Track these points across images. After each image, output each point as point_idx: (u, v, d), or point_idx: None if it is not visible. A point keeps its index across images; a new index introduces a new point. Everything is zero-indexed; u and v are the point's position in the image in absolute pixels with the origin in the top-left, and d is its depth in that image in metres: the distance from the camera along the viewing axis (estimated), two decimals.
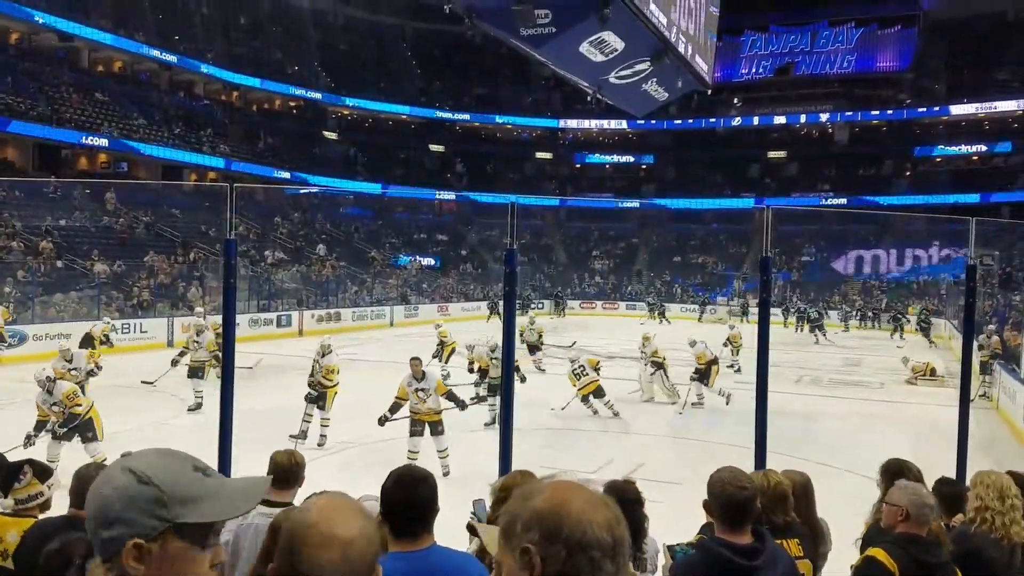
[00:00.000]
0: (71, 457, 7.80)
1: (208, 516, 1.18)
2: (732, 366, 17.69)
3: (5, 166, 30.74)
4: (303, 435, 10.42)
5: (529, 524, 1.16)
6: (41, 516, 3.35)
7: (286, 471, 3.66)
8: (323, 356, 11.33)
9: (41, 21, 32.62)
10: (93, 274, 24.91)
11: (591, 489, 1.23)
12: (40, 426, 8.79)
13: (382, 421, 9.53)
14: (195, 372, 13.18)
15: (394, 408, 9.59)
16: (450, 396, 9.73)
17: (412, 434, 9.47)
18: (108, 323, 18.13)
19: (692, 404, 13.87)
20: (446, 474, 8.91)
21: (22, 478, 3.36)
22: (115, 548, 1.14)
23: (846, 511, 3.91)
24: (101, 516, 1.15)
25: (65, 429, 8.71)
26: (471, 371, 13.52)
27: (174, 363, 14.27)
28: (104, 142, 32.89)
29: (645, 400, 14.54)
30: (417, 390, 9.48)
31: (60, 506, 3.38)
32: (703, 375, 14.23)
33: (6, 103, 29.93)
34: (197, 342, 13.70)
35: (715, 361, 14.59)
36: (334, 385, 10.96)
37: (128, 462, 1.19)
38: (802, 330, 29.46)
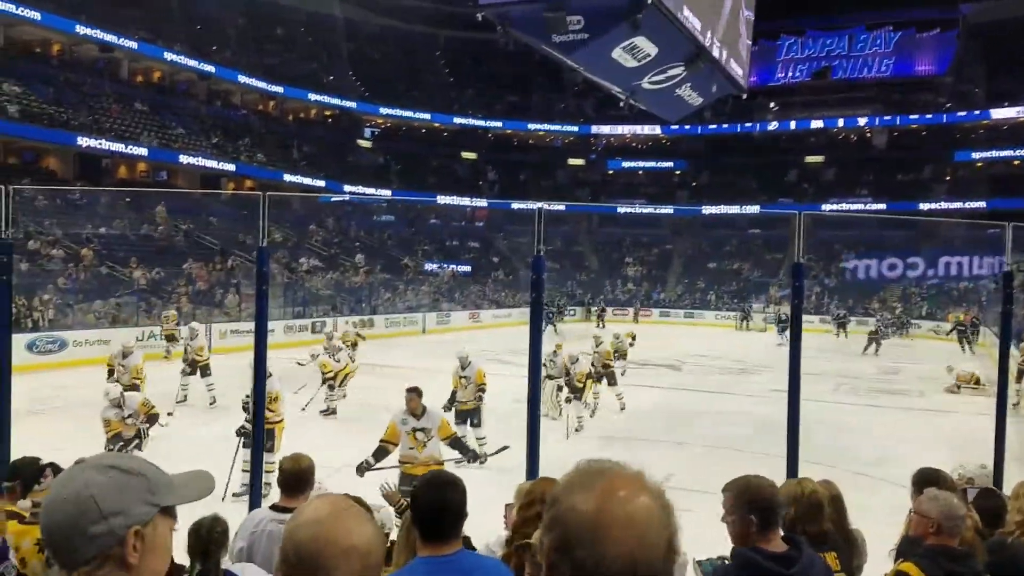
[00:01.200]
0: None
1: (183, 499, 1.30)
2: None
3: (47, 175, 31.42)
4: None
5: (550, 525, 1.03)
6: None
7: (294, 477, 3.68)
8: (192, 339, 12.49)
9: (82, 32, 33.24)
10: (132, 281, 25.35)
11: (646, 491, 1.03)
12: (116, 439, 8.80)
13: (361, 470, 7.18)
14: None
15: (379, 453, 7.30)
16: (456, 443, 7.80)
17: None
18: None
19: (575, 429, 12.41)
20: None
21: (43, 481, 3.38)
22: (109, 542, 1.20)
23: (884, 522, 3.84)
24: (89, 514, 1.19)
25: (148, 438, 8.96)
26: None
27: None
28: (144, 151, 33.51)
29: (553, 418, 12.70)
30: (414, 430, 7.37)
31: None
32: (577, 391, 12.66)
33: (48, 113, 30.61)
34: (123, 365, 12.08)
35: (590, 376, 13.28)
36: (279, 421, 9.10)
37: (101, 460, 1.27)
38: (844, 336, 28.47)
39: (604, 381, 14.43)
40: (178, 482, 1.32)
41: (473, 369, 11.02)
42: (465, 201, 47.24)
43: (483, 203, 47.76)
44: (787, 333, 25.76)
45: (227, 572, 3.17)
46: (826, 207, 42.87)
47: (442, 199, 45.46)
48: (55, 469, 3.54)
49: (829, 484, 3.26)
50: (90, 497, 1.19)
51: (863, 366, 22.53)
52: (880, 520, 3.85)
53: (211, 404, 13.88)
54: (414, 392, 7.43)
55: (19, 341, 16.74)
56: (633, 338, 18.90)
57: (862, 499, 5.73)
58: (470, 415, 10.89)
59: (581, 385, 12.85)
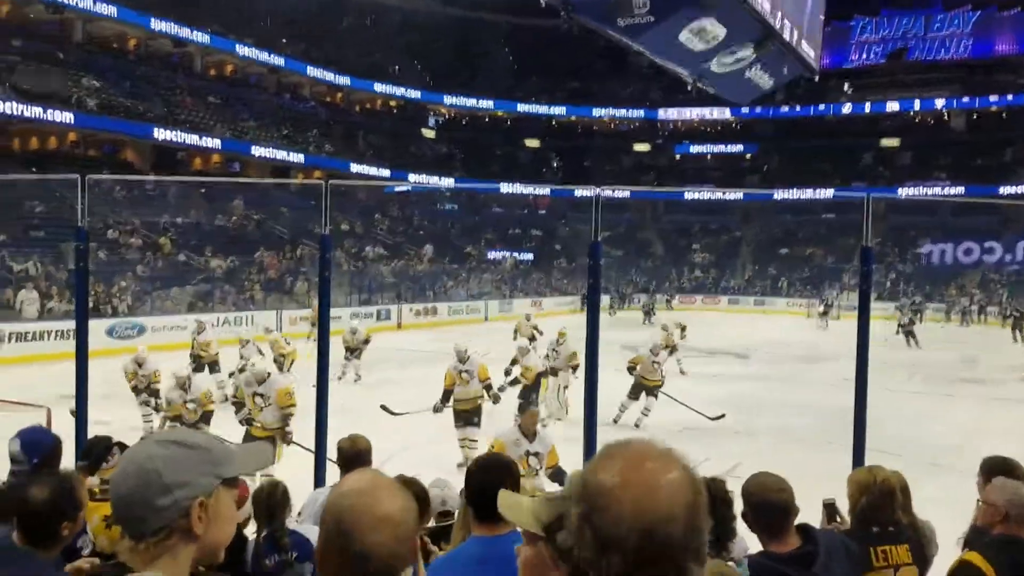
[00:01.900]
0: None
1: (242, 469, 1.36)
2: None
3: (125, 167, 32.54)
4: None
5: (577, 495, 1.03)
6: None
7: (351, 457, 3.75)
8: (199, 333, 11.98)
9: (157, 27, 34.24)
10: (208, 269, 26.11)
11: (672, 464, 1.03)
12: (176, 421, 8.96)
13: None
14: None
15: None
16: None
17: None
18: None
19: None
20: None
21: (110, 459, 3.50)
22: (174, 514, 1.25)
23: (956, 513, 3.70)
24: (153, 486, 1.25)
25: (198, 423, 8.88)
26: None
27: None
28: (217, 143, 34.41)
29: (555, 419, 11.79)
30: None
31: None
32: (528, 391, 11.50)
33: (125, 106, 31.66)
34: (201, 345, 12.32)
35: (546, 374, 12.16)
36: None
37: (163, 436, 1.33)
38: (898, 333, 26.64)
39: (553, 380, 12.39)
40: (239, 454, 1.38)
41: (474, 363, 9.91)
42: (528, 189, 47.22)
43: (545, 191, 47.63)
44: (827, 317, 24.44)
45: (293, 532, 3.28)
46: (902, 191, 41.58)
47: (505, 187, 45.53)
48: (122, 448, 3.66)
49: (896, 474, 3.16)
50: (154, 470, 1.25)
51: (941, 355, 21.79)
52: (952, 510, 3.71)
53: (223, 401, 12.29)
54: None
55: (99, 327, 17.41)
56: (683, 329, 17.63)
57: (933, 489, 5.55)
58: (471, 415, 9.74)
59: (529, 382, 11.45)
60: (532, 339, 15.95)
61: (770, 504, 2.31)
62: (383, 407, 10.01)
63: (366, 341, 16.09)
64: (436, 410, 9.74)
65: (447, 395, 9.80)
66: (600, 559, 0.98)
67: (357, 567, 1.20)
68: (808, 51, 12.70)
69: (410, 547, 1.25)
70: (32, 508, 2.47)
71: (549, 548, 1.26)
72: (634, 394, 12.03)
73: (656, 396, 12.12)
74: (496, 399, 10.11)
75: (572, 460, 4.27)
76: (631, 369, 12.16)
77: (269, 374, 8.75)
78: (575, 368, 11.80)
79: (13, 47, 29.75)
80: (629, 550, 0.96)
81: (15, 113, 27.18)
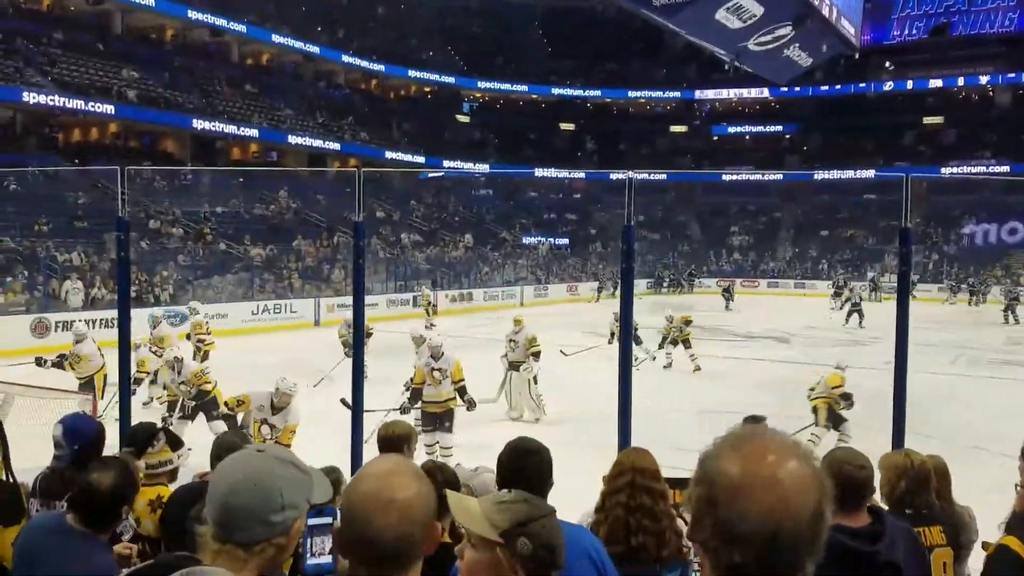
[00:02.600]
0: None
1: (317, 499, 1.39)
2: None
3: (164, 157, 33.02)
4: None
5: (698, 480, 1.05)
6: (169, 485, 3.58)
7: (388, 443, 3.79)
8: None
9: (194, 17, 34.56)
10: (248, 258, 26.45)
11: (796, 457, 1.04)
12: (172, 407, 9.28)
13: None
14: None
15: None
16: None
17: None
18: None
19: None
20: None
21: (155, 444, 3.59)
22: (279, 531, 1.32)
23: (997, 498, 3.63)
24: (272, 503, 1.31)
25: (195, 403, 8.88)
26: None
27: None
28: (255, 132, 34.75)
29: (514, 418, 11.11)
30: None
31: (184, 478, 3.64)
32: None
33: (164, 97, 32.10)
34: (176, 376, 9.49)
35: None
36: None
37: (280, 454, 1.39)
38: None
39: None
40: (315, 482, 1.42)
41: (449, 361, 8.85)
42: (563, 173, 47.02)
43: (580, 175, 47.39)
44: (839, 301, 23.61)
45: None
46: (946, 170, 40.64)
47: (540, 172, 45.37)
48: (167, 433, 3.75)
49: (934, 457, 3.12)
50: (277, 489, 1.31)
51: (987, 337, 21.34)
52: (994, 496, 3.64)
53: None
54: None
55: (142, 315, 17.70)
56: (688, 323, 16.25)
57: (974, 475, 5.45)
58: (443, 419, 8.75)
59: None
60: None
61: (851, 479, 2.35)
62: (343, 401, 6.96)
63: (368, 335, 15.69)
64: (403, 411, 8.48)
65: (416, 394, 8.74)
66: (722, 550, 1.00)
67: (366, 549, 1.22)
68: (848, 28, 12.43)
69: (428, 534, 1.25)
70: (96, 492, 2.58)
71: (507, 554, 1.27)
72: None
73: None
74: (471, 405, 8.84)
75: (582, 462, 4.24)
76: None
77: (181, 360, 9.09)
78: (537, 355, 11.21)
79: (55, 40, 30.31)
80: (752, 548, 0.98)
81: (58, 105, 27.71)
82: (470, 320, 23.10)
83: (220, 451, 3.36)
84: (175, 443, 3.69)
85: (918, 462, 2.97)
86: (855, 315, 23.80)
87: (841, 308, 26.44)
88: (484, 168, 45.18)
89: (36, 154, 28.09)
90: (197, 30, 36.06)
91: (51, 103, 27.51)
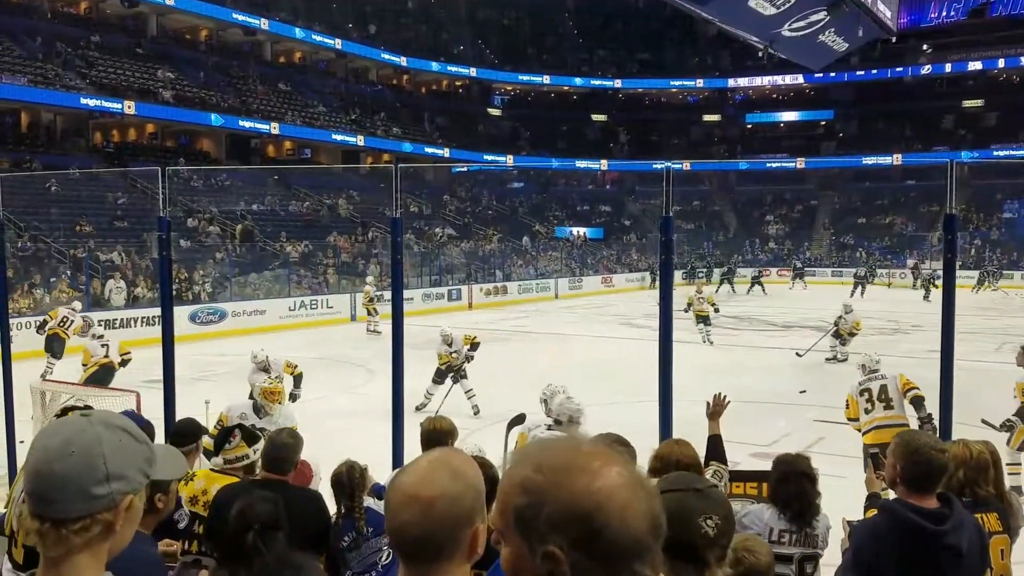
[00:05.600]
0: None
1: (160, 474, 1.30)
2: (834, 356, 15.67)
3: (201, 156, 33.45)
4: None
5: (557, 522, 0.97)
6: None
7: (430, 438, 3.84)
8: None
9: (227, 18, 34.95)
10: (284, 255, 26.72)
11: (628, 462, 1.04)
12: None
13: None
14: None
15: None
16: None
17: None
18: None
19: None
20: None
21: (232, 440, 3.72)
22: (104, 506, 1.17)
23: None
24: (95, 473, 1.16)
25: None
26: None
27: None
28: (289, 130, 35.04)
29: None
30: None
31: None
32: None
33: (199, 96, 32.51)
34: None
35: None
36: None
37: (111, 419, 1.24)
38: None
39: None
40: (161, 457, 1.32)
41: (459, 343, 11.16)
42: (596, 164, 46.80)
43: (611, 167, 47.15)
44: (861, 287, 23.48)
45: (369, 509, 3.44)
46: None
47: (574, 163, 45.21)
48: (243, 430, 3.86)
49: (987, 444, 3.10)
50: (100, 455, 1.16)
51: None
52: None
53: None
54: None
55: (182, 313, 18.01)
56: (716, 310, 17.14)
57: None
58: (456, 371, 11.04)
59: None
60: None
61: (928, 461, 2.39)
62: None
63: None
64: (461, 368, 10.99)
65: (447, 371, 10.98)
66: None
67: (396, 541, 1.18)
68: (884, 11, 12.16)
69: (464, 534, 1.17)
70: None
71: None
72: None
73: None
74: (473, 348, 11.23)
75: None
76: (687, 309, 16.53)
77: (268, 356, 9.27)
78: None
79: (92, 43, 30.83)
80: (646, 551, 0.99)
81: (97, 107, 28.19)
82: (504, 313, 23.14)
83: (274, 450, 3.51)
84: (251, 438, 3.79)
85: (976, 451, 2.99)
86: (859, 287, 24.25)
87: (864, 297, 26.15)
88: (516, 161, 45.07)
89: (76, 156, 28.66)
90: (231, 29, 36.45)
91: (91, 105, 28.01)
